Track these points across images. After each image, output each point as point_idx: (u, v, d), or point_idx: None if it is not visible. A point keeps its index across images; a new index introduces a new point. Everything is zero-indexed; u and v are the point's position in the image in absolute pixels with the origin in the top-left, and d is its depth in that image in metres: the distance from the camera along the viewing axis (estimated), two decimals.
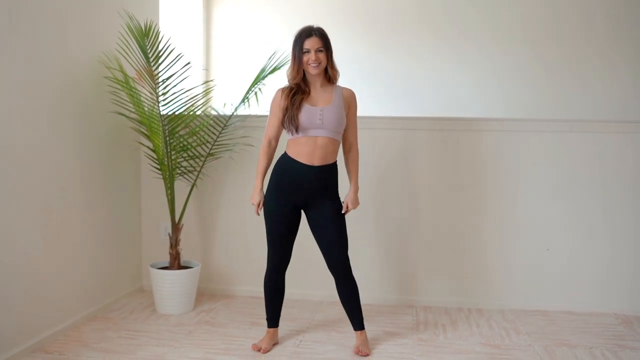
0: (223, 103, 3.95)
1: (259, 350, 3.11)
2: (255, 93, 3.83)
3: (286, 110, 2.99)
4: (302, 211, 3.12)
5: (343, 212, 3.07)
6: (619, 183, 3.80)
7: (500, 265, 3.91)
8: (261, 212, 3.10)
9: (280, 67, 3.76)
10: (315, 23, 3.07)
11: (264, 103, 3.90)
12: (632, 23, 5.38)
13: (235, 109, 3.85)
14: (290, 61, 3.06)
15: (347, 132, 3.12)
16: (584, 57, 5.45)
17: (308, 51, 2.96)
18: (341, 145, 3.14)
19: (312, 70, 2.97)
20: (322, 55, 2.97)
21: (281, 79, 4.01)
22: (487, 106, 5.46)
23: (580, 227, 3.84)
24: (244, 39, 5.90)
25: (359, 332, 3.15)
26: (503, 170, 3.88)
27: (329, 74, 3.04)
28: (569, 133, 3.83)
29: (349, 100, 3.08)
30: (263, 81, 3.80)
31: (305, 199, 3.04)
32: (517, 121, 3.97)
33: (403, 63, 5.64)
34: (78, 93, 3.40)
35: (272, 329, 3.21)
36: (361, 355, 3.07)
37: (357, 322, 3.15)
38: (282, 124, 3.03)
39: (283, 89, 3.07)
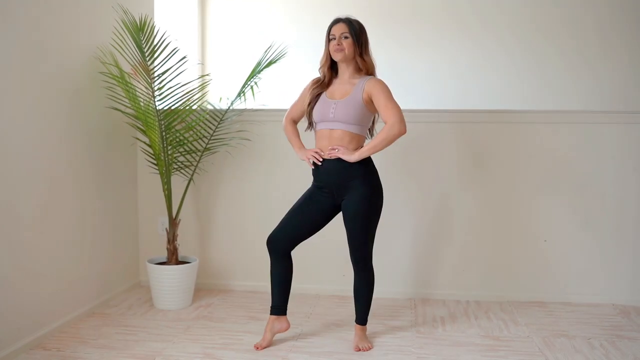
0: (219, 97, 3.94)
1: (257, 348, 3.07)
2: (252, 87, 3.81)
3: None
4: (333, 210, 3.09)
5: (330, 147, 2.95)
6: (616, 173, 3.81)
7: (498, 257, 3.91)
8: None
9: (276, 60, 3.75)
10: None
11: (260, 97, 3.90)
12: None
13: (232, 103, 3.84)
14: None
15: (382, 116, 2.99)
16: (587, 50, 5.41)
17: (334, 37, 2.95)
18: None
19: (336, 55, 2.95)
20: (347, 42, 2.93)
21: (277, 73, 4.02)
22: (487, 101, 5.43)
23: (578, 218, 3.85)
24: (239, 33, 5.88)
25: (359, 326, 3.13)
26: (498, 162, 3.88)
27: (360, 65, 2.98)
28: (566, 124, 3.83)
29: (369, 91, 2.93)
30: (259, 75, 3.78)
31: (336, 191, 3.00)
32: (515, 113, 3.95)
33: (400, 56, 5.62)
34: (73, 89, 3.38)
35: (271, 317, 3.13)
36: (363, 351, 3.05)
37: (361, 315, 3.12)
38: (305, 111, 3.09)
39: (313, 79, 3.11)
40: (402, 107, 2.94)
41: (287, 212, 3.12)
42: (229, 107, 3.84)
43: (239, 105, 3.87)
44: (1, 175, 2.82)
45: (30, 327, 3.05)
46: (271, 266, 3.12)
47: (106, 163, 3.74)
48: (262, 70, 3.76)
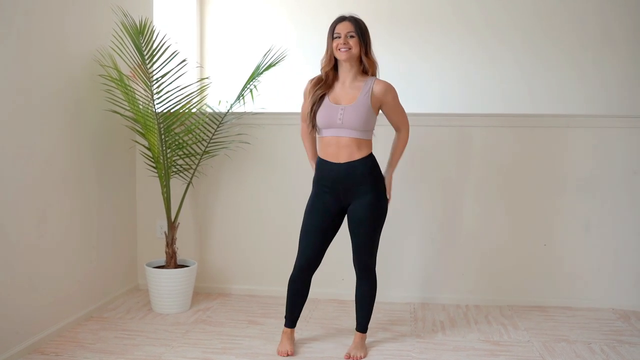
0: (218, 100, 3.93)
1: (287, 354, 3.02)
2: (251, 90, 3.80)
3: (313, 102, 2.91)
4: (340, 214, 3.00)
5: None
6: (617, 177, 3.80)
7: (498, 261, 3.90)
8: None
9: (276, 63, 3.74)
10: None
11: (260, 100, 3.89)
12: None
13: (231, 107, 3.83)
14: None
15: (391, 121, 2.99)
16: (594, 55, 5.41)
17: (339, 36, 2.84)
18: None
19: (341, 55, 2.83)
20: (353, 41, 2.83)
21: (277, 76, 4.02)
22: (493, 105, 5.43)
23: (578, 222, 3.84)
24: (238, 36, 5.88)
25: (359, 334, 3.09)
26: (500, 166, 3.86)
27: (365, 65, 2.88)
28: (566, 128, 3.82)
29: (380, 97, 2.87)
30: (258, 78, 3.77)
31: (343, 195, 2.92)
32: (519, 117, 3.95)
33: (407, 59, 5.61)
34: (72, 91, 3.37)
35: (288, 329, 3.11)
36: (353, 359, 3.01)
37: (362, 323, 3.09)
38: None
39: (312, 79, 2.97)
40: (408, 111, 2.94)
41: (303, 231, 2.99)
42: (228, 111, 3.83)
43: (238, 108, 3.85)
44: None
45: (28, 331, 3.03)
46: (301, 284, 3.03)
47: (105, 166, 3.73)
48: (261, 73, 3.75)
